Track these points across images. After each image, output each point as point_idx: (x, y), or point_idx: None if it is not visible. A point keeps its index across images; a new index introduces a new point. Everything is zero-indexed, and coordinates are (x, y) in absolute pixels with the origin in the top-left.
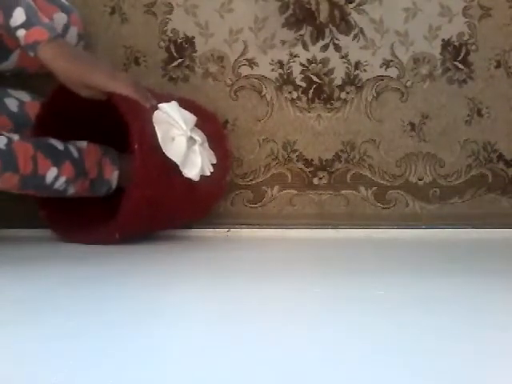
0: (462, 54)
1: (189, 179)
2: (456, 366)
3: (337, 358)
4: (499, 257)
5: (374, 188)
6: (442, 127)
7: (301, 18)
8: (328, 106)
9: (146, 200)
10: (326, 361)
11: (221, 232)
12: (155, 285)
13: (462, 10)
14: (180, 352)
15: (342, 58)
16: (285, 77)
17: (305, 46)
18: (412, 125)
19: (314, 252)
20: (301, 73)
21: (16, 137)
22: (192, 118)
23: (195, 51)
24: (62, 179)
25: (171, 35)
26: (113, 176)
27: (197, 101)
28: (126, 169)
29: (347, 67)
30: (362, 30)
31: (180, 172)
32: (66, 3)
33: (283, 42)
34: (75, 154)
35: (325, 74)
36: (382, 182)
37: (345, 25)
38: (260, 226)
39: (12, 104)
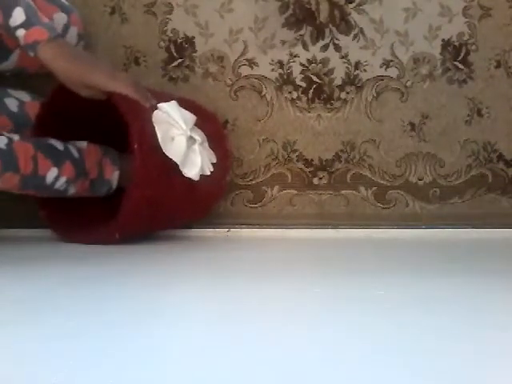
0: (462, 54)
1: (189, 179)
2: (456, 366)
3: (337, 357)
4: (499, 257)
5: (374, 188)
6: (441, 127)
7: (301, 18)
8: (328, 106)
9: (146, 200)
10: (326, 361)
11: (221, 232)
12: (155, 285)
13: (461, 10)
14: (180, 352)
15: (342, 58)
16: (285, 77)
17: (305, 46)
18: (412, 125)
19: (314, 252)
20: (301, 73)
21: (16, 137)
22: (192, 118)
23: (195, 51)
24: (63, 179)
25: (171, 35)
26: (113, 176)
27: (197, 101)
28: (126, 169)
29: (347, 67)
30: (362, 30)
31: (180, 172)
32: (66, 3)
33: (283, 42)
34: (75, 154)
35: (325, 74)
36: (381, 181)
37: (345, 25)
38: (260, 225)
39: (12, 104)
